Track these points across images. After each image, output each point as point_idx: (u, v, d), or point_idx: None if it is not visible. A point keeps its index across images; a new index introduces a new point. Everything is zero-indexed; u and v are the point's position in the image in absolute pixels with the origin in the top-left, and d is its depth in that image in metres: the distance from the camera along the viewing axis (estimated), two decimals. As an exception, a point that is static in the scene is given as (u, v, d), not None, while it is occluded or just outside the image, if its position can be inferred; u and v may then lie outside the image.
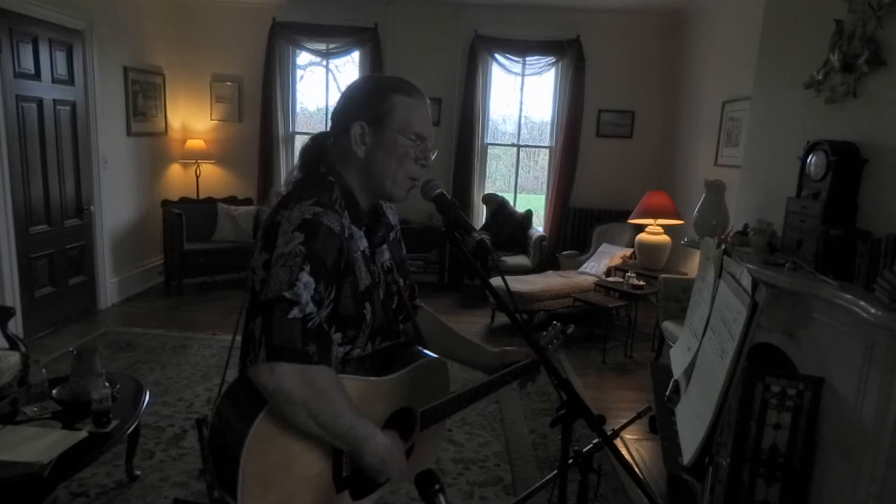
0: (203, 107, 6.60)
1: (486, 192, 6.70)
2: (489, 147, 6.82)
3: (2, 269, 4.08)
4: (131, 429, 2.53)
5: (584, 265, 5.87)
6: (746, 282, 1.46)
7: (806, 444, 2.45)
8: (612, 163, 6.58)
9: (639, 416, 1.65)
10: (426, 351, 1.39)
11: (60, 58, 4.63)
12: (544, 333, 1.60)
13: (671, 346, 2.66)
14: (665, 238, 5.36)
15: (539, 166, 8.16)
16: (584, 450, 1.36)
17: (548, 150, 6.82)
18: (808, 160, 2.80)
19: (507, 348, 1.55)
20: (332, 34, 6.34)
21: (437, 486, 1.16)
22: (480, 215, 6.69)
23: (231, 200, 6.37)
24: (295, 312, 1.08)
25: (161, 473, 2.85)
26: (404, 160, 1.25)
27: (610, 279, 5.27)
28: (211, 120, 6.62)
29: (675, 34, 6.26)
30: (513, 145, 6.99)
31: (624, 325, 5.17)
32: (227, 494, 1.12)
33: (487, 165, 6.86)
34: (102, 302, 5.30)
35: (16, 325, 3.91)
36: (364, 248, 1.28)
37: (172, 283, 5.93)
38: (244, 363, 1.14)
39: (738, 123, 4.69)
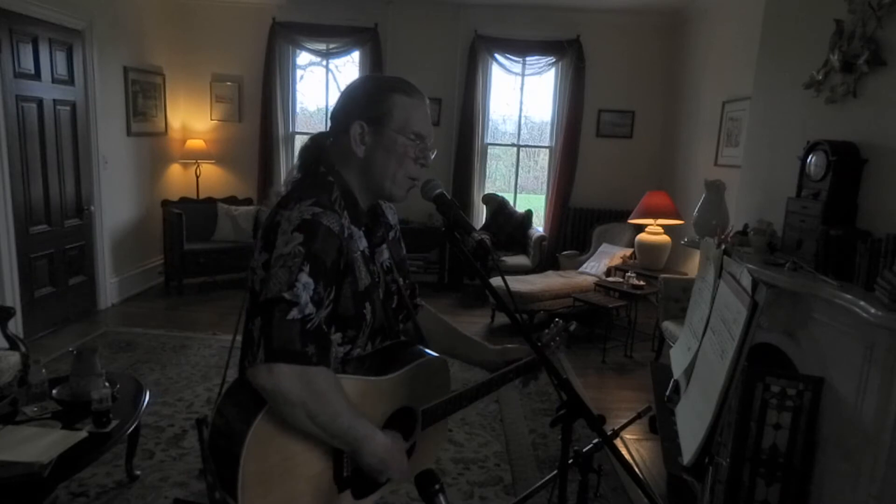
0: (203, 107, 6.60)
1: (486, 192, 6.70)
2: (489, 147, 6.82)
3: (2, 269, 4.08)
4: (131, 429, 2.53)
5: (584, 265, 5.87)
6: (746, 282, 1.46)
7: (806, 444, 2.45)
8: (612, 163, 6.58)
9: (639, 416, 1.65)
10: (426, 350, 1.39)
11: (60, 58, 4.63)
12: (546, 331, 1.59)
13: (671, 346, 2.66)
14: (665, 238, 5.36)
15: (539, 166, 8.16)
16: (584, 450, 1.36)
17: (548, 150, 6.82)
18: (808, 160, 2.80)
19: (509, 346, 1.54)
20: (332, 34, 6.34)
21: (437, 486, 1.16)
22: (480, 215, 6.69)
23: (231, 200, 6.37)
24: (294, 313, 1.08)
25: (161, 473, 2.85)
26: (404, 160, 1.25)
27: (610, 279, 5.27)
28: (211, 120, 6.62)
29: (675, 34, 6.26)
30: (513, 145, 6.99)
31: (624, 325, 5.16)
32: (228, 495, 1.12)
33: (487, 165, 6.86)
34: (102, 302, 5.30)
35: (16, 325, 3.91)
36: (364, 247, 1.28)
37: (172, 283, 5.93)
38: (243, 364, 1.14)
39: (738, 123, 4.69)
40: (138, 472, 2.81)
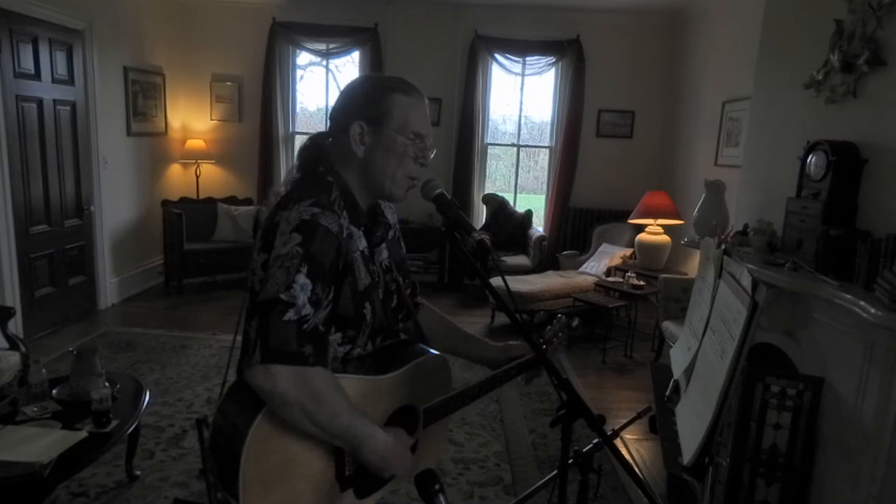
0: (203, 107, 6.60)
1: (486, 192, 6.70)
2: (489, 147, 6.82)
3: (2, 269, 4.08)
4: (131, 429, 2.53)
5: (584, 265, 5.87)
6: (746, 282, 1.46)
7: (806, 444, 2.45)
8: (612, 163, 6.58)
9: (639, 416, 1.65)
10: (427, 348, 1.39)
11: (60, 58, 4.63)
12: (549, 328, 1.59)
13: (671, 346, 2.66)
14: (665, 238, 5.36)
15: (539, 166, 8.16)
16: (584, 450, 1.36)
17: (548, 150, 6.82)
18: (808, 160, 2.80)
19: (511, 342, 1.54)
20: (332, 34, 6.34)
21: (437, 486, 1.16)
22: (480, 215, 6.69)
23: (231, 200, 6.38)
24: (290, 314, 1.08)
25: (161, 473, 2.85)
26: (403, 159, 1.25)
27: (610, 279, 5.27)
28: (211, 120, 6.62)
29: (675, 34, 6.25)
30: (513, 145, 6.99)
31: (624, 325, 5.16)
32: (230, 495, 1.12)
33: (487, 165, 6.86)
34: (102, 302, 5.30)
35: (16, 325, 3.91)
36: (363, 247, 1.28)
37: (172, 283, 5.93)
38: (241, 365, 1.14)
39: (738, 123, 4.69)
40: (138, 472, 2.81)
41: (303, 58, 6.66)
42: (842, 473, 2.32)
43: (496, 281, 4.27)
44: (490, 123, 6.81)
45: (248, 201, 6.45)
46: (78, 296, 5.00)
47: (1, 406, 2.46)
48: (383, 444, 1.18)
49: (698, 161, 5.53)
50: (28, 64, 4.31)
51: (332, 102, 1.30)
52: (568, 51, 6.29)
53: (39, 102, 4.43)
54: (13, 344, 3.24)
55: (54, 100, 4.58)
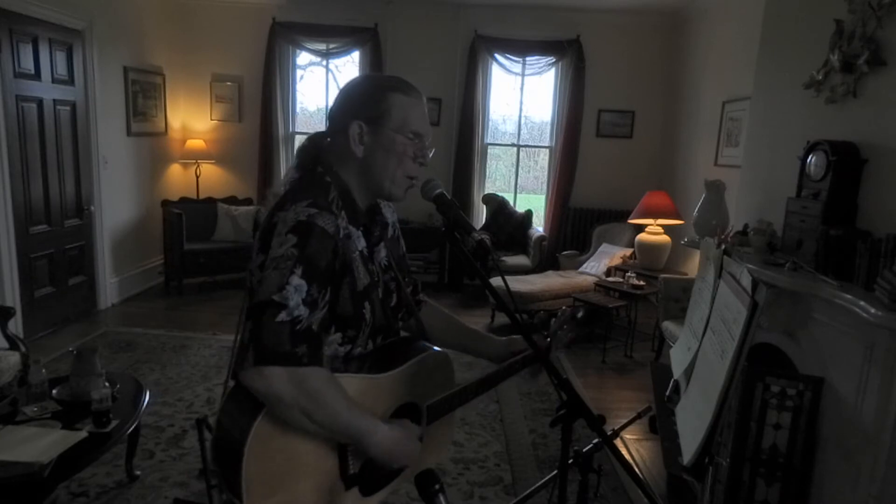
0: (203, 107, 6.60)
1: (486, 192, 6.70)
2: (489, 147, 6.82)
3: (2, 269, 4.08)
4: (131, 429, 2.53)
5: (584, 265, 5.87)
6: (746, 282, 1.46)
7: (806, 444, 2.45)
8: (612, 163, 6.58)
9: (639, 416, 1.66)
10: (429, 344, 1.39)
11: (60, 58, 4.63)
12: (554, 319, 1.57)
13: (671, 346, 2.66)
14: (665, 238, 5.36)
15: (539, 166, 8.16)
16: (584, 450, 1.36)
17: (548, 150, 6.82)
18: (808, 160, 2.80)
19: (515, 336, 1.51)
20: (332, 34, 6.34)
21: (437, 486, 1.16)
22: (480, 215, 6.69)
23: (231, 200, 6.38)
24: (283, 316, 1.08)
25: (161, 473, 2.85)
26: (403, 159, 1.25)
27: (610, 279, 5.27)
28: (211, 120, 6.62)
29: (675, 34, 6.25)
30: (513, 145, 6.99)
31: (624, 325, 5.16)
32: (234, 496, 1.12)
33: (487, 165, 6.86)
34: (102, 302, 5.30)
35: (16, 325, 3.91)
36: (362, 247, 1.28)
37: (172, 283, 5.93)
38: (236, 367, 1.14)
39: (738, 123, 4.69)
40: (138, 472, 2.81)
41: (303, 58, 6.66)
42: (842, 473, 2.32)
43: (496, 281, 4.27)
44: (490, 123, 6.81)
45: (248, 201, 6.45)
46: (78, 296, 5.00)
47: (1, 406, 2.47)
48: (387, 437, 1.18)
49: (698, 161, 5.52)
50: (28, 64, 4.31)
51: (331, 102, 1.30)
52: (568, 51, 6.29)
53: (39, 102, 4.43)
54: (13, 344, 3.24)
55: (54, 100, 4.58)
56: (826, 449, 2.42)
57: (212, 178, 6.61)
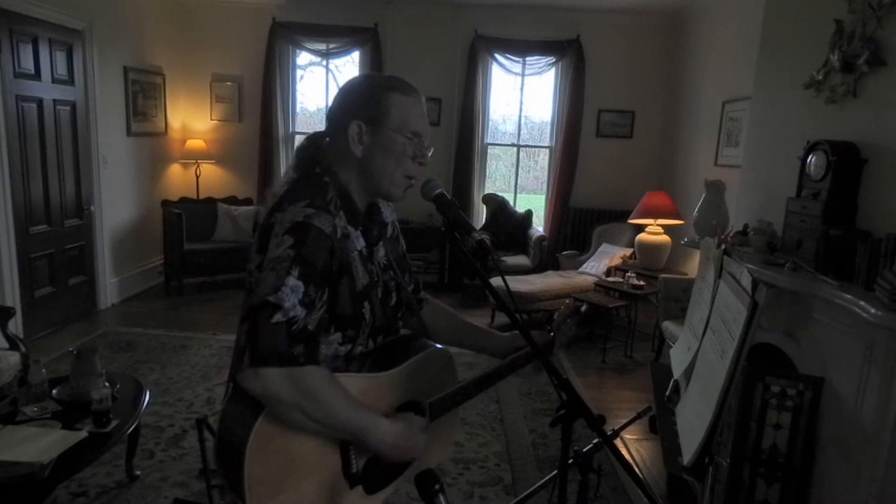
0: (203, 107, 6.60)
1: (486, 192, 6.70)
2: (489, 147, 6.82)
3: (2, 269, 4.08)
4: (131, 429, 2.53)
5: (584, 265, 5.87)
6: (746, 282, 1.46)
7: (806, 444, 2.45)
8: (612, 163, 6.58)
9: (639, 416, 1.66)
10: (430, 342, 1.39)
11: (60, 58, 4.63)
12: (556, 314, 1.57)
13: (671, 346, 2.66)
14: (665, 238, 5.36)
15: (539, 166, 8.16)
16: (584, 450, 1.36)
17: (548, 150, 6.82)
18: (808, 160, 2.80)
19: (518, 332, 1.53)
20: (332, 34, 6.34)
21: (437, 486, 1.16)
22: (480, 215, 6.69)
23: (231, 200, 6.38)
24: (278, 317, 1.08)
25: (161, 473, 2.85)
26: (402, 159, 1.25)
27: (610, 279, 5.27)
28: (211, 120, 6.62)
29: (675, 34, 6.25)
30: (513, 145, 6.99)
31: (624, 325, 5.16)
32: (238, 497, 1.12)
33: (487, 165, 6.86)
34: (102, 302, 5.30)
35: (16, 325, 3.91)
36: (361, 247, 1.28)
37: (172, 283, 5.93)
38: (233, 369, 1.13)
39: (738, 123, 4.69)
40: (138, 472, 2.81)
41: (303, 58, 6.66)
42: (842, 473, 2.32)
43: (496, 281, 4.28)
44: (490, 123, 6.80)
45: (248, 201, 6.45)
46: (78, 296, 5.00)
47: (1, 406, 2.46)
48: (390, 432, 1.18)
49: (698, 161, 5.52)
50: (28, 64, 4.31)
51: (331, 102, 1.30)
52: (568, 51, 6.29)
53: (39, 102, 4.43)
54: (13, 344, 3.24)
55: (54, 100, 4.58)
56: (826, 449, 2.42)
57: (212, 178, 6.61)
